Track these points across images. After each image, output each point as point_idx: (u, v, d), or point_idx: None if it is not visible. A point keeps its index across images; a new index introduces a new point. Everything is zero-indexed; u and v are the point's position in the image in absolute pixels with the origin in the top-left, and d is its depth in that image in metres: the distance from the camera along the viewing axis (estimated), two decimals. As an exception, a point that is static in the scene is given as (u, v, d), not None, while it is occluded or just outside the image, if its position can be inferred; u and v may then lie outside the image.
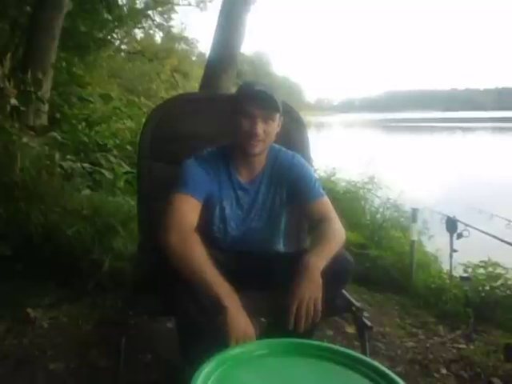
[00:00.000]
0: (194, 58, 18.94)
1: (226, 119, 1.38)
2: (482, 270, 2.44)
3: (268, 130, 1.32)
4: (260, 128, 1.29)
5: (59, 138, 3.06)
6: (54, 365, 1.63)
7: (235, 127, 1.33)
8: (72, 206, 2.48)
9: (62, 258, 2.22)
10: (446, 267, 2.69)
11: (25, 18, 6.52)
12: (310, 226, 1.62)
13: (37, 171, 2.52)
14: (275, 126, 1.35)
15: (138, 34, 15.51)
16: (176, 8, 15.05)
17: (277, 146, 1.45)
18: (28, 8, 6.71)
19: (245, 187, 1.40)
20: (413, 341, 1.99)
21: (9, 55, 3.07)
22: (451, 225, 2.45)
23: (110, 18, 8.62)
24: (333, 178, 4.06)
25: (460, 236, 2.41)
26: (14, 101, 2.67)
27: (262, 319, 1.47)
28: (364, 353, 1.29)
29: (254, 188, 1.41)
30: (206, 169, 1.35)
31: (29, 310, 1.95)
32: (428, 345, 1.96)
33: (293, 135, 1.75)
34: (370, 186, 3.78)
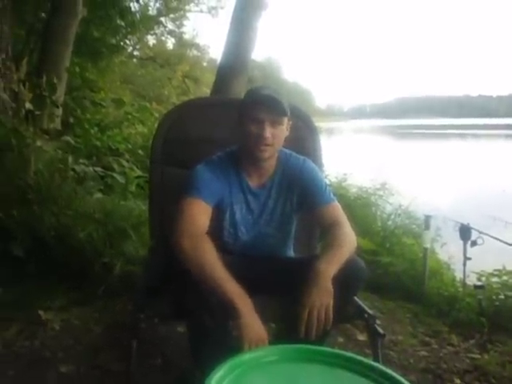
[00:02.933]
0: (205, 64, 19.11)
1: (236, 124, 1.38)
2: (496, 279, 2.39)
3: (276, 133, 1.31)
4: (268, 132, 1.29)
5: (72, 141, 3.10)
6: (65, 367, 1.64)
7: (243, 132, 1.33)
8: (84, 209, 2.50)
9: (74, 260, 2.24)
10: (459, 275, 2.64)
11: (40, 24, 6.66)
12: (321, 231, 1.61)
13: (50, 174, 2.56)
14: (284, 129, 1.34)
15: (151, 40, 15.76)
16: (188, 15, 15.27)
17: (287, 150, 1.44)
18: (43, 14, 6.85)
19: (255, 192, 1.40)
20: (425, 350, 1.96)
21: (25, 60, 3.12)
22: (465, 232, 2.41)
23: (122, 24, 8.74)
24: (344, 184, 4.03)
25: (474, 244, 2.36)
26: (28, 105, 2.71)
27: (272, 325, 1.46)
28: (376, 360, 1.27)
29: (264, 193, 1.41)
30: (217, 173, 1.35)
31: (40, 312, 1.97)
32: (441, 354, 1.92)
33: (305, 141, 1.75)
34: (381, 193, 3.75)
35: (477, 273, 2.44)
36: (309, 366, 0.98)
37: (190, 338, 1.24)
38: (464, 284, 2.46)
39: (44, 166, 2.59)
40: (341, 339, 1.95)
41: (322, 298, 1.14)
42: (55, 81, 3.24)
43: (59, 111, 3.93)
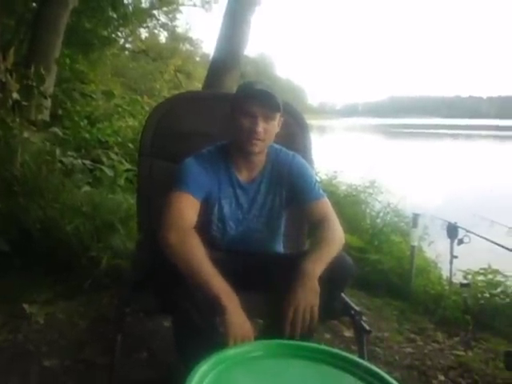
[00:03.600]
0: (197, 59, 18.99)
1: (228, 118, 1.37)
2: (481, 277, 2.43)
3: (268, 128, 1.31)
4: (260, 127, 1.28)
5: (60, 133, 3.05)
6: (49, 361, 1.62)
7: (235, 126, 1.32)
8: (71, 202, 2.47)
9: (60, 254, 2.21)
10: (445, 273, 2.67)
11: (30, 15, 6.55)
12: (310, 227, 1.61)
13: (37, 166, 2.52)
14: (275, 125, 1.34)
15: (143, 33, 15.56)
16: (181, 8, 15.11)
17: (277, 145, 1.44)
18: (34, 4, 6.74)
19: (244, 187, 1.39)
20: (411, 347, 1.98)
21: (12, 50, 3.07)
22: (452, 231, 2.43)
23: (114, 16, 8.63)
24: (334, 182, 4.05)
25: (461, 242, 2.39)
26: (16, 95, 2.66)
27: (259, 321, 1.46)
28: (362, 357, 1.28)
29: (254, 188, 1.40)
30: (206, 167, 1.34)
31: (25, 306, 1.94)
32: (426, 351, 1.94)
33: (296, 137, 1.74)
34: (370, 191, 3.77)
35: (463, 271, 2.47)
36: (294, 361, 0.98)
37: (176, 332, 1.23)
38: (450, 282, 2.49)
39: (31, 158, 2.55)
40: (327, 335, 1.95)
41: (308, 297, 1.14)
42: (43, 71, 3.19)
43: (48, 102, 3.87)
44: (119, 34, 11.05)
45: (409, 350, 1.94)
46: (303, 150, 1.71)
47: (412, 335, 2.10)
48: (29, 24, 6.47)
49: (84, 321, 1.91)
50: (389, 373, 0.96)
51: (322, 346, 1.06)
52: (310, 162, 1.72)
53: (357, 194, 3.75)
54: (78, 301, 2.05)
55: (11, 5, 6.29)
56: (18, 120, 2.56)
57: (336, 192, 3.67)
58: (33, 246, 2.25)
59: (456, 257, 2.45)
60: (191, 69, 15.19)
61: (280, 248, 1.54)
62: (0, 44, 3.04)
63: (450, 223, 2.45)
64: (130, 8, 9.88)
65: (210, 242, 1.28)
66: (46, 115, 3.91)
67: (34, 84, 2.88)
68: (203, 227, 1.31)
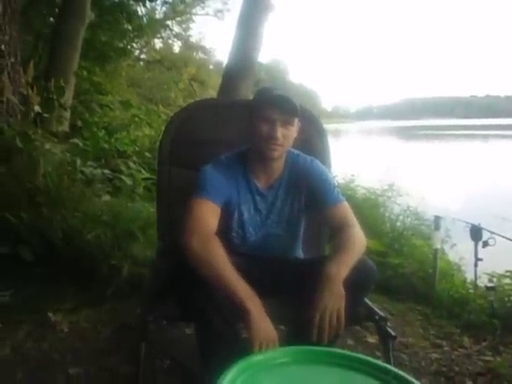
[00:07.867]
0: (211, 67, 19.21)
1: (245, 125, 1.37)
2: (507, 280, 2.36)
3: (286, 134, 1.31)
4: (279, 132, 1.29)
5: (81, 144, 3.11)
6: (74, 369, 1.63)
7: (254, 132, 1.32)
8: (92, 211, 2.50)
9: (83, 262, 2.24)
10: (469, 276, 2.61)
11: (48, 30, 6.73)
12: (331, 231, 1.59)
13: (59, 177, 2.56)
14: (293, 130, 1.34)
15: (157, 43, 15.89)
16: (194, 18, 15.37)
17: (295, 151, 1.44)
18: (51, 19, 6.93)
19: (262, 193, 1.39)
20: (437, 352, 1.93)
21: (31, 64, 3.15)
22: (476, 233, 2.37)
23: (130, 28, 8.80)
24: (352, 185, 4.01)
25: (486, 244, 2.33)
26: (37, 107, 2.72)
27: (281, 327, 1.44)
28: (388, 363, 1.25)
29: (272, 193, 1.40)
30: (225, 174, 1.35)
31: (49, 315, 1.97)
32: (453, 356, 1.89)
33: (314, 142, 1.74)
34: (389, 194, 3.72)
35: (488, 274, 2.40)
36: (321, 368, 0.97)
37: (199, 339, 1.23)
38: (475, 285, 2.43)
39: (53, 169, 2.60)
40: (350, 341, 1.93)
41: (334, 301, 1.13)
42: (63, 84, 3.26)
43: (67, 114, 3.95)
44: (134, 45, 11.29)
45: (435, 355, 1.90)
46: (321, 154, 1.71)
47: (438, 340, 2.05)
48: (47, 39, 6.65)
49: (107, 329, 1.93)
50: (417, 379, 0.94)
51: (350, 352, 1.05)
52: (328, 166, 1.71)
53: (375, 198, 3.70)
54: (101, 309, 2.07)
55: (28, 21, 6.47)
56: (39, 132, 2.61)
57: (354, 196, 3.63)
58: (56, 256, 2.29)
59: (481, 259, 2.39)
60: (205, 77, 15.39)
61: (300, 253, 1.53)
62: (20, 59, 3.11)
63: (473, 225, 2.39)
64: (145, 19, 10.07)
65: (230, 248, 1.28)
66: (66, 127, 3.99)
67: (55, 97, 2.94)
68: (223, 233, 1.32)
